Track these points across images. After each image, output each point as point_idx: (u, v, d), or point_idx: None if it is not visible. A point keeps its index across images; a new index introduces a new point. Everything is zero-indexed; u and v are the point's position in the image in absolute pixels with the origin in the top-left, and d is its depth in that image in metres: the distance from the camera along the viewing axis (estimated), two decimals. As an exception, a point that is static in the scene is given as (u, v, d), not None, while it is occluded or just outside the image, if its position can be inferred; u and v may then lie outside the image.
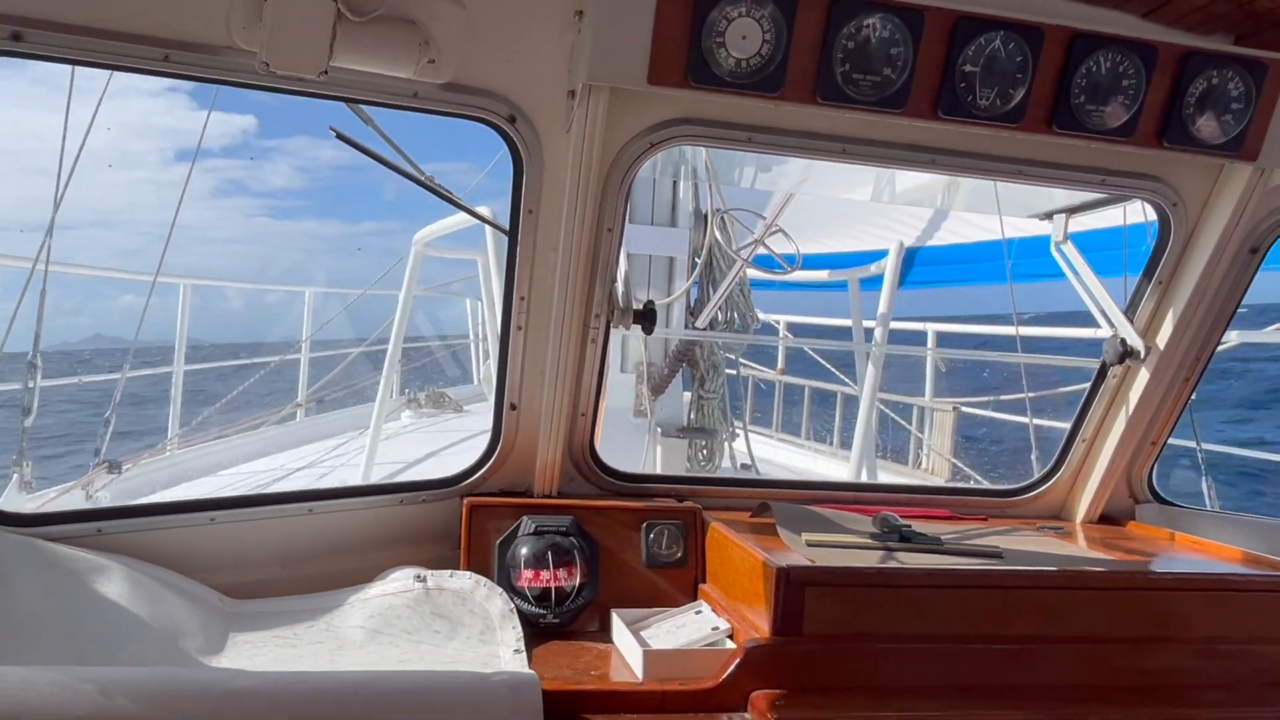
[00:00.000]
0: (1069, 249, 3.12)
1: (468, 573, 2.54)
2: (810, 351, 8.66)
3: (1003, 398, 8.45)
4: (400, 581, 2.49)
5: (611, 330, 2.66)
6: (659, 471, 5.16)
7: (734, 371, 5.73)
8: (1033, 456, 6.30)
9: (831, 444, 9.02)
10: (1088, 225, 3.31)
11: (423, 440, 8.04)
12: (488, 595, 2.49)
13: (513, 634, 2.41)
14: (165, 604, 2.27)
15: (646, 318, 2.58)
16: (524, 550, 2.55)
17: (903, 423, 8.12)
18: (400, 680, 1.89)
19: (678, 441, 5.47)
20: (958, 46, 2.20)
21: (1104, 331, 3.01)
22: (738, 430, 5.47)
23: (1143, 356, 2.84)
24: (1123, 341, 2.87)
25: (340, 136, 2.16)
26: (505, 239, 4.76)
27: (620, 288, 2.61)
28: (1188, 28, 2.28)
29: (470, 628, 2.43)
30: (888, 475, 7.31)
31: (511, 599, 2.49)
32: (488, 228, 4.85)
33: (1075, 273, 3.09)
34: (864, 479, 5.91)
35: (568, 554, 2.56)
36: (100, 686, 1.71)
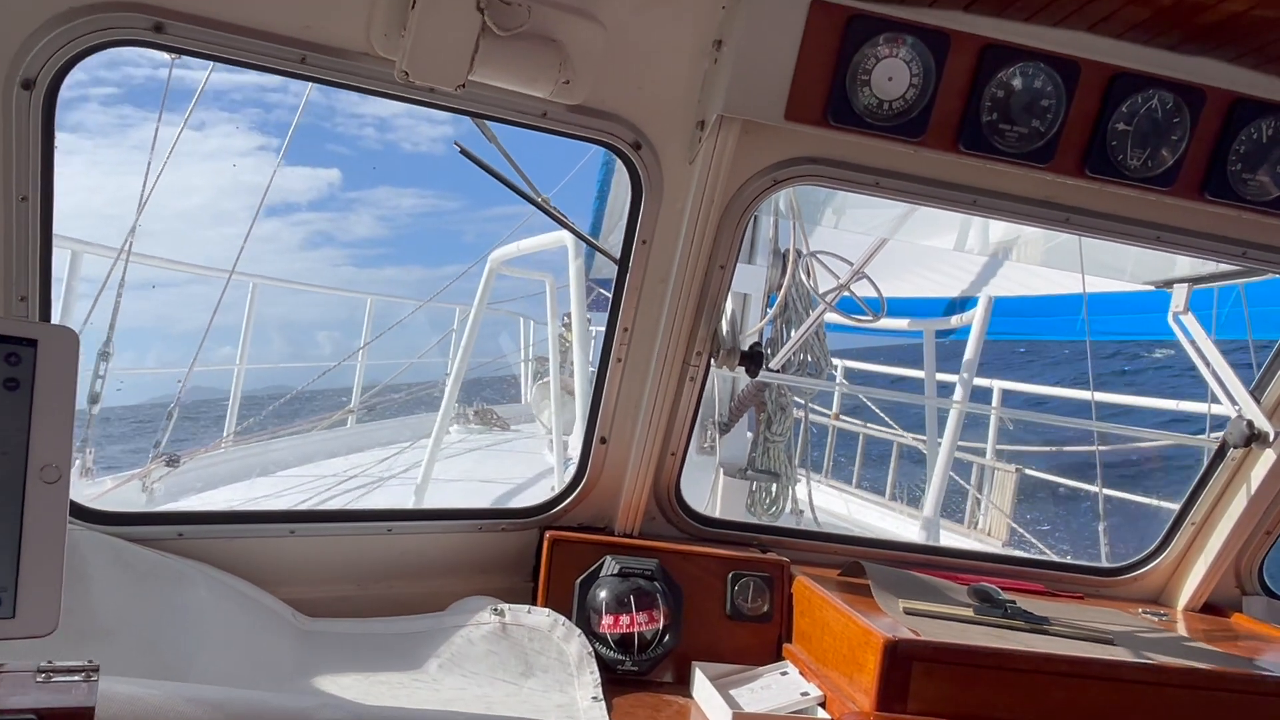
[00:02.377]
0: (1189, 320, 2.97)
1: (545, 610, 2.44)
2: (870, 404, 8.47)
3: (1069, 449, 8.18)
4: (477, 614, 2.40)
5: (711, 369, 2.58)
6: (723, 515, 5.04)
7: (799, 414, 5.58)
8: (1100, 528, 6.06)
9: (884, 495, 8.82)
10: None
11: (475, 461, 8.00)
12: (565, 636, 2.39)
13: (590, 679, 2.31)
14: (243, 617, 2.20)
15: (753, 360, 2.48)
16: (606, 592, 2.45)
17: (962, 482, 7.89)
18: (488, 725, 1.79)
19: (739, 483, 5.34)
20: (1112, 103, 2.09)
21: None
22: (800, 475, 5.34)
23: (1271, 440, 2.68)
24: (1249, 424, 2.71)
25: (464, 153, 2.10)
26: (580, 266, 4.71)
27: (725, 327, 2.52)
28: None
29: (546, 669, 2.33)
30: (945, 535, 7.09)
31: (590, 641, 2.39)
32: (569, 252, 4.81)
33: (1195, 346, 2.94)
34: (929, 538, 5.73)
35: (651, 599, 2.45)
36: (188, 704, 1.63)
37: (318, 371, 8.75)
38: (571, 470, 2.74)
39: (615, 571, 2.48)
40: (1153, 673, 2.15)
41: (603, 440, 2.60)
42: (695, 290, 2.40)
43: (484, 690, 2.23)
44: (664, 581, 2.50)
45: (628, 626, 2.41)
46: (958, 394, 5.52)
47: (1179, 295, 3.01)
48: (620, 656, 2.41)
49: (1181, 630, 2.77)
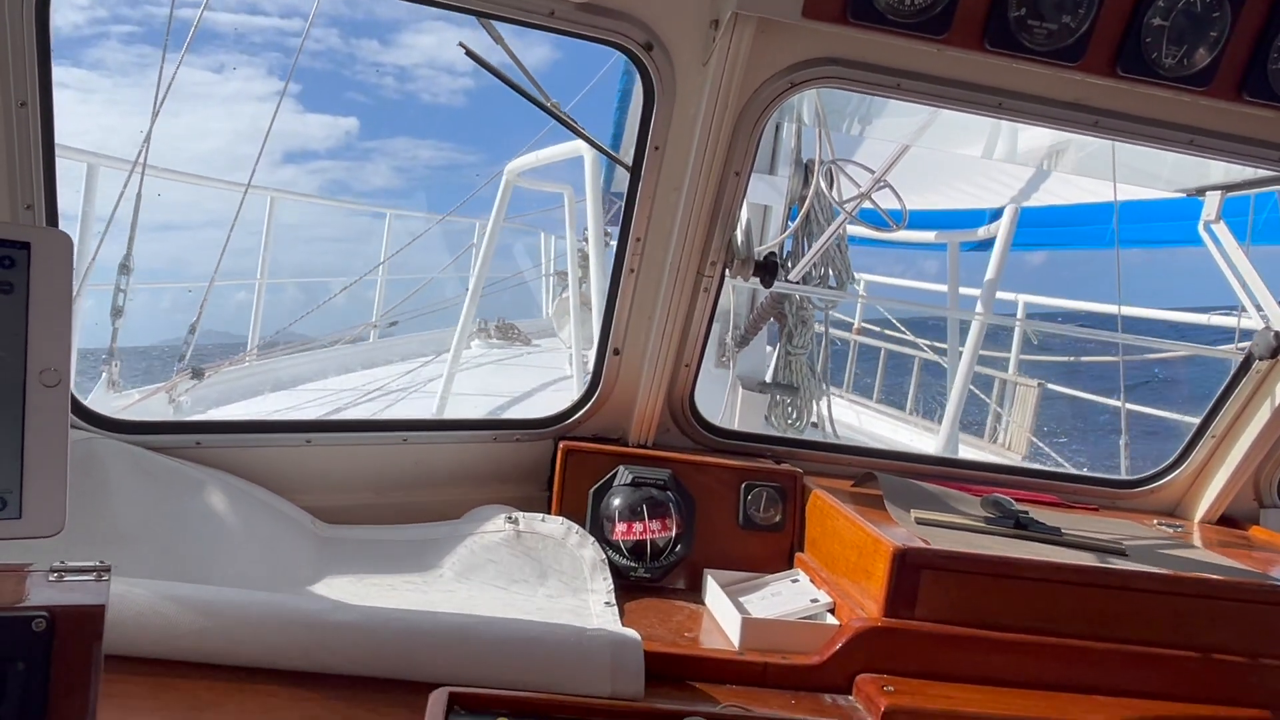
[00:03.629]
0: (1220, 229, 2.89)
1: (560, 518, 2.47)
2: (890, 318, 8.38)
3: (1088, 359, 8.07)
4: (491, 521, 2.44)
5: (725, 280, 2.54)
6: (741, 427, 5.05)
7: (820, 327, 5.53)
8: (1121, 442, 6.02)
9: (905, 410, 8.81)
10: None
11: (498, 376, 8.04)
12: (579, 543, 2.42)
13: (603, 585, 2.34)
14: (261, 523, 2.24)
15: (768, 270, 2.44)
16: (620, 500, 2.47)
17: (983, 396, 7.85)
18: (500, 628, 1.83)
19: (758, 396, 5.33)
20: None
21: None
22: (823, 389, 5.32)
23: None
24: (1276, 335, 2.65)
25: (470, 54, 2.04)
26: (597, 174, 4.61)
27: (740, 236, 2.47)
28: None
29: (560, 575, 2.37)
30: (965, 448, 7.09)
31: (603, 549, 2.42)
32: (586, 163, 4.72)
33: (1224, 255, 2.86)
34: (948, 452, 5.73)
35: (664, 508, 2.47)
36: (202, 606, 1.67)
37: (340, 285, 8.78)
38: (587, 382, 2.74)
39: (628, 481, 2.50)
40: (1164, 582, 2.15)
41: (616, 351, 2.59)
42: (709, 198, 2.35)
43: (497, 596, 2.27)
44: (677, 491, 2.52)
45: (640, 534, 2.44)
46: (980, 306, 5.43)
47: (1211, 203, 2.92)
48: (633, 564, 2.44)
49: (1197, 541, 2.77)
